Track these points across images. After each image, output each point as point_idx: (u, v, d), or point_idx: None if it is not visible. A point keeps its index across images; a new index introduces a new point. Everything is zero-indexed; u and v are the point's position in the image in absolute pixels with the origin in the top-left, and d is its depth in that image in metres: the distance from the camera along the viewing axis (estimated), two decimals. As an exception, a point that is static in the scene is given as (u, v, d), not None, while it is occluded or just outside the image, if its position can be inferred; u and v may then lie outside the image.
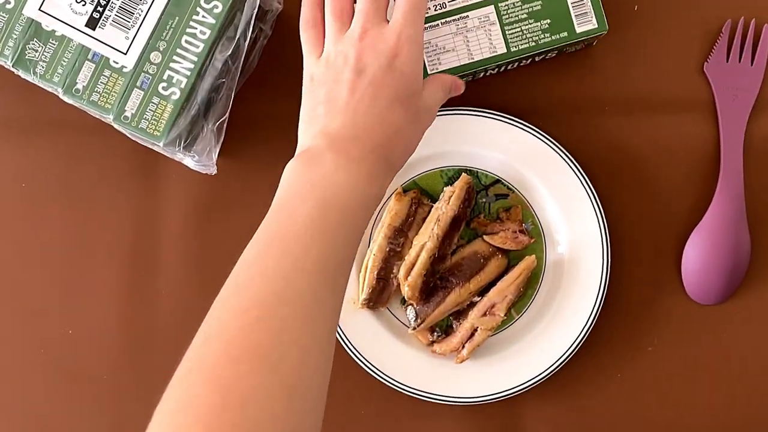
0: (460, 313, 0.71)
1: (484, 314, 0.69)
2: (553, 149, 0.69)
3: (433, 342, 0.71)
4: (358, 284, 0.70)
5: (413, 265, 0.69)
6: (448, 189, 0.70)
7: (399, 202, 0.70)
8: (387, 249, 0.70)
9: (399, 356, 0.70)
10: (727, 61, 0.71)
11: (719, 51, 0.71)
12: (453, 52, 0.66)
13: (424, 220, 0.71)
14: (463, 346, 0.69)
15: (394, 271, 0.70)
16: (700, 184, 0.71)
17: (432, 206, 0.70)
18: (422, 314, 0.70)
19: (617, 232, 0.71)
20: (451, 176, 0.72)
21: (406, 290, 0.69)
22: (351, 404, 0.72)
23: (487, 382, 0.69)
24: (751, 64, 0.71)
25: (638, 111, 0.72)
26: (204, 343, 0.47)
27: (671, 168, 0.72)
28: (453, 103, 0.68)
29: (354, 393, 0.71)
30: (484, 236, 0.70)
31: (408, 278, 0.69)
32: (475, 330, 0.69)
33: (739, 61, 0.71)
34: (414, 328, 0.70)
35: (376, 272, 0.69)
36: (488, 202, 0.72)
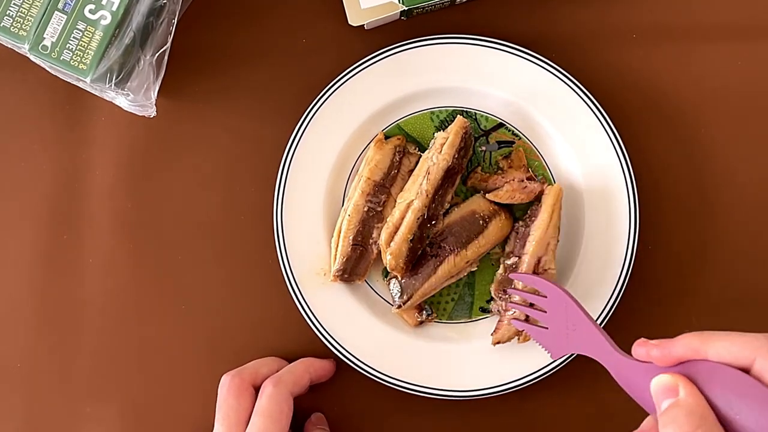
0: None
1: (534, 274, 0.66)
2: (569, 86, 0.68)
3: (421, 323, 0.69)
4: (330, 252, 0.69)
5: (397, 228, 0.67)
6: (439, 135, 0.67)
7: (380, 150, 0.68)
8: (365, 208, 0.68)
9: (379, 340, 0.68)
10: None
11: None
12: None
13: (410, 172, 0.69)
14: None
15: (373, 235, 0.68)
16: (747, 130, 0.70)
17: (420, 156, 0.69)
18: (409, 289, 0.68)
19: (647, 189, 0.70)
20: (443, 119, 0.70)
21: (388, 259, 0.67)
22: (321, 396, 0.70)
23: (489, 370, 0.67)
24: None
25: (674, 40, 0.71)
26: None
27: (713, 110, 0.70)
28: (446, 30, 0.68)
29: (324, 383, 0.69)
30: (487, 195, 0.68)
31: (391, 244, 0.66)
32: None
33: None
34: (399, 306, 0.68)
35: (351, 237, 0.67)
36: (489, 150, 0.69)
